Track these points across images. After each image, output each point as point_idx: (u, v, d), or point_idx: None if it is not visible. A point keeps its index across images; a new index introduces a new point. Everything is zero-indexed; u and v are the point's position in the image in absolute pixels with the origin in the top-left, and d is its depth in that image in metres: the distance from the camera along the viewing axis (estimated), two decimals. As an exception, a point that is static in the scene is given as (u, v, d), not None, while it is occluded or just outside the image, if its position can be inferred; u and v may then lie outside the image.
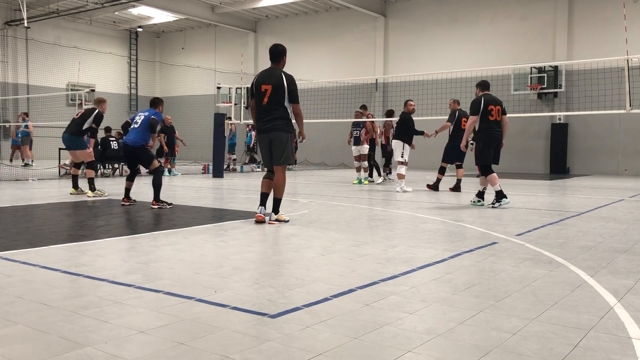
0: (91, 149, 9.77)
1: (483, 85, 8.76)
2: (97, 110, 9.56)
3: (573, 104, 19.16)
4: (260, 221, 6.41)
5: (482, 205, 8.60)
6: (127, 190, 8.22)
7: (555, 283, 3.73)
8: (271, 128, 6.33)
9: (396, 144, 11.30)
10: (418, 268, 4.14)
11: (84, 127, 9.49)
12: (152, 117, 8.05)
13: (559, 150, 20.26)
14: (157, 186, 7.87)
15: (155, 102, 8.39)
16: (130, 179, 8.30)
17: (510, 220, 6.88)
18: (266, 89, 6.28)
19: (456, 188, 11.23)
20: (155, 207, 7.77)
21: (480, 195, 8.70)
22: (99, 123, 9.69)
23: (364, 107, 14.54)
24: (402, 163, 11.20)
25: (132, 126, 8.09)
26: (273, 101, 6.30)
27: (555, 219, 7.11)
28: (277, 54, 6.47)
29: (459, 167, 11.52)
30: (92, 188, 9.36)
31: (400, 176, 11.08)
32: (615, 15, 18.65)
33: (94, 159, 9.93)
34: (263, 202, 6.61)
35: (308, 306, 3.12)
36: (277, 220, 6.44)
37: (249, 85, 6.80)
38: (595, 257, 4.63)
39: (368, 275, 3.90)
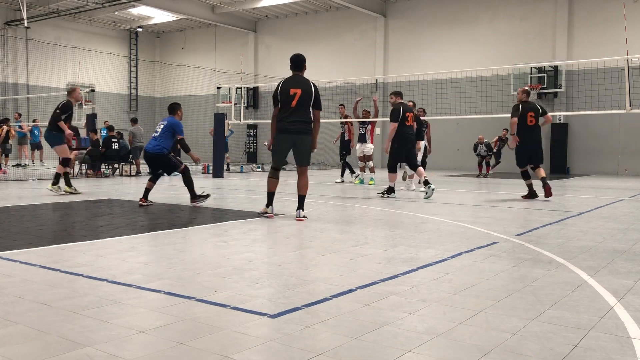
0: (70, 142, 9.58)
1: (399, 93, 9.99)
2: (65, 100, 9.59)
3: (573, 104, 19.17)
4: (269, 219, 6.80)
5: (433, 190, 9.54)
6: (147, 190, 8.16)
7: (555, 283, 3.73)
8: (297, 130, 6.68)
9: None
10: (418, 268, 4.14)
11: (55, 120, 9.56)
12: (172, 126, 8.10)
13: (559, 150, 20.27)
14: (189, 185, 8.03)
15: (173, 108, 8.35)
16: (152, 180, 8.29)
17: (510, 220, 6.89)
18: (295, 92, 6.62)
19: (531, 195, 9.68)
20: (196, 204, 7.97)
21: (426, 183, 9.64)
22: (65, 112, 9.49)
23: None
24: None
25: (152, 134, 8.23)
26: (301, 104, 6.64)
27: (555, 219, 7.11)
28: (301, 62, 6.88)
29: (534, 169, 9.71)
30: (55, 182, 9.37)
31: (413, 176, 11.42)
32: (615, 15, 18.65)
33: (69, 157, 9.88)
34: (271, 202, 6.99)
35: (308, 306, 3.12)
36: (304, 216, 6.77)
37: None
38: (595, 257, 4.63)
39: (368, 275, 3.90)
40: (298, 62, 6.85)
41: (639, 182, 15.24)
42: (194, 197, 8.04)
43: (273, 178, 6.93)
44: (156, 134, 8.12)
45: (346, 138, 13.98)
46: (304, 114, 6.68)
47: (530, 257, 4.60)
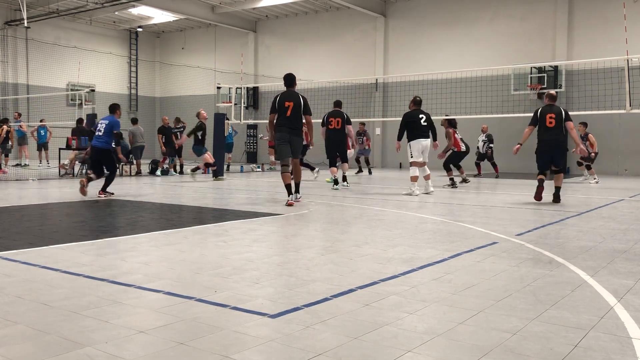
0: None
1: (335, 102, 12.22)
2: None
3: (573, 104, 19.15)
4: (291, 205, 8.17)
5: (337, 189, 11.02)
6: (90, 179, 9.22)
7: (555, 283, 3.73)
8: (293, 134, 8.49)
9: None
10: (418, 268, 4.14)
11: None
12: (112, 125, 9.34)
13: (559, 150, 20.23)
14: (108, 180, 9.27)
15: (113, 108, 9.63)
16: (97, 174, 9.35)
17: (510, 220, 6.89)
18: (289, 105, 8.41)
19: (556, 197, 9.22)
20: (102, 196, 9.10)
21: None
22: None
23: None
24: (412, 164, 10.44)
25: (97, 133, 9.31)
26: (294, 114, 8.44)
27: (555, 219, 7.11)
28: (292, 79, 8.65)
29: (555, 172, 9.33)
30: None
31: (413, 178, 10.29)
32: (615, 15, 18.64)
33: None
34: (291, 191, 8.47)
35: (308, 306, 3.12)
36: (299, 198, 8.61)
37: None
38: (595, 257, 4.63)
39: (368, 275, 3.90)
40: (290, 80, 8.64)
41: (639, 182, 15.23)
42: (104, 189, 9.24)
43: (286, 173, 8.44)
44: (100, 133, 9.22)
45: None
46: (296, 121, 8.46)
47: (530, 257, 4.60)
